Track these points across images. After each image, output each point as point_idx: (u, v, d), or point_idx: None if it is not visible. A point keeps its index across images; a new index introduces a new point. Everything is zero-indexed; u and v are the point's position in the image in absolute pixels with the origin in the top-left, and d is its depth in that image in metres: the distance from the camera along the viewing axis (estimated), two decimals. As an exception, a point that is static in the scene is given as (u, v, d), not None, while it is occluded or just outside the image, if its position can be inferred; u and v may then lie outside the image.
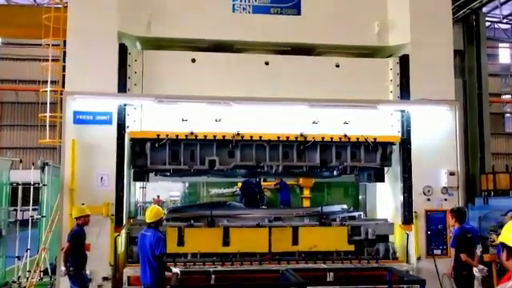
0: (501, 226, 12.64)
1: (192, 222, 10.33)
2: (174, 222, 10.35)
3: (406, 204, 10.58)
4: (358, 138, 10.52)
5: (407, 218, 10.56)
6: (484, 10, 25.92)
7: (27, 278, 13.48)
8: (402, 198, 10.68)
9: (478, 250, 9.65)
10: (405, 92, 10.75)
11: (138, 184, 14.07)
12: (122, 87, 9.99)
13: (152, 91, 10.20)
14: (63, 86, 10.40)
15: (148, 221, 8.40)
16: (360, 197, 13.23)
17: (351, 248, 10.50)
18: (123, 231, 10.04)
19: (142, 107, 10.23)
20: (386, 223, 10.95)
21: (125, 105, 9.99)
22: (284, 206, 14.74)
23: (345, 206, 12.14)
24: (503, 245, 3.89)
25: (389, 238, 10.85)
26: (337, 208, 11.86)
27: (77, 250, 9.06)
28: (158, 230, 8.45)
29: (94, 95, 9.75)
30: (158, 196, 24.84)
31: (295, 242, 10.36)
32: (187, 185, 19.77)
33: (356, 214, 11.55)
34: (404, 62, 10.84)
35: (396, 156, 10.85)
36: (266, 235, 10.27)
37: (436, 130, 10.70)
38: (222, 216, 10.69)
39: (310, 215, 11.07)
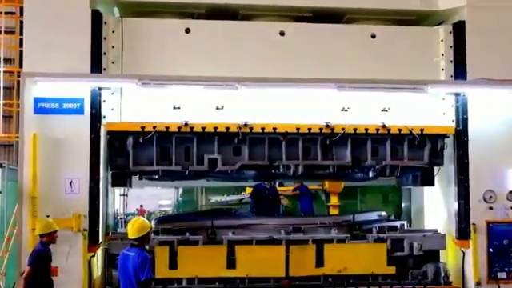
0: None
1: (188, 234, 10.31)
2: (165, 236, 10.29)
3: (462, 214, 10.59)
4: (400, 130, 10.52)
5: (463, 231, 10.56)
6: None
7: (-22, 311, 13.52)
8: (456, 205, 10.67)
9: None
10: (460, 70, 10.74)
11: (118, 191, 14.04)
12: (96, 66, 10.01)
13: (135, 71, 10.18)
14: (21, 66, 10.39)
15: (131, 237, 8.31)
16: (403, 205, 13.22)
17: (391, 270, 10.49)
18: (99, 250, 9.99)
19: (122, 92, 10.20)
20: (437, 235, 10.94)
21: (100, 89, 9.97)
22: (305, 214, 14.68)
23: (383, 213, 12.14)
24: None
25: (439, 257, 10.86)
26: (373, 216, 11.84)
27: (41, 274, 8.97)
28: (144, 248, 8.36)
29: (61, 77, 9.72)
30: (142, 206, 24.83)
31: (320, 262, 10.35)
32: (181, 191, 19.77)
33: (398, 223, 11.51)
34: (459, 30, 10.80)
35: (449, 152, 10.82)
36: (283, 254, 10.25)
37: (501, 118, 10.67)
38: (225, 227, 10.67)
39: (339, 225, 11.04)
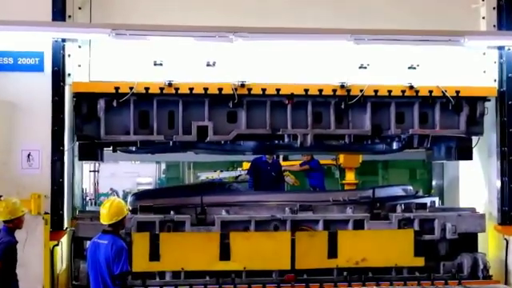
0: None
1: (172, 213, 10.23)
2: (145, 215, 10.22)
3: (506, 194, 10.66)
4: (430, 92, 10.50)
5: (507, 215, 10.63)
6: None
7: None
8: (499, 184, 10.69)
9: None
10: (505, 18, 10.71)
11: (87, 166, 14.02)
12: (59, 13, 9.91)
13: (107, 19, 10.15)
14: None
15: (104, 222, 8.24)
16: (433, 183, 13.30)
17: (420, 262, 10.48)
18: (64, 238, 9.94)
19: (92, 44, 10.12)
20: (474, 214, 10.95)
21: (64, 40, 9.90)
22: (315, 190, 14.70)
23: (410, 188, 12.23)
24: None
25: (477, 245, 10.91)
26: (397, 191, 11.94)
27: (10, 269, 8.82)
28: (119, 235, 8.27)
29: (15, 25, 9.55)
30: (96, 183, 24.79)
31: (332, 252, 10.32)
32: (163, 167, 19.98)
33: (427, 200, 11.47)
34: (504, -32, 10.72)
35: (490, 119, 10.81)
36: (288, 242, 10.23)
37: (554, 77, 10.58)
38: (218, 205, 10.67)
39: (356, 202, 11.06)
